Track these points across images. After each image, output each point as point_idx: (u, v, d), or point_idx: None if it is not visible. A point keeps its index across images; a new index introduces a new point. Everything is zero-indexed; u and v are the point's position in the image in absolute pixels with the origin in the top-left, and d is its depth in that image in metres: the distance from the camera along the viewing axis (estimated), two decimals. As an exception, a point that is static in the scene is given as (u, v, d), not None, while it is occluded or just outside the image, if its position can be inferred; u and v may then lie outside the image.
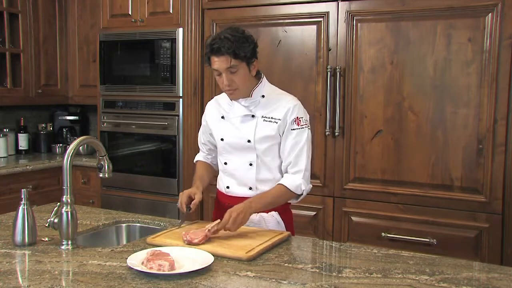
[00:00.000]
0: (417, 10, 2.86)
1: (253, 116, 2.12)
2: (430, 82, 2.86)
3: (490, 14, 2.71)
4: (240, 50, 1.97)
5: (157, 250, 1.70)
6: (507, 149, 2.74)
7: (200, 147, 2.41)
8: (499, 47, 2.70)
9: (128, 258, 1.66)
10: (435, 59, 2.84)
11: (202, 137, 2.37)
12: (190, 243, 1.84)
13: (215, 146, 2.31)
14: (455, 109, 2.82)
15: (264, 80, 2.16)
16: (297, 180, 2.10)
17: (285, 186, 2.09)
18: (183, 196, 2.11)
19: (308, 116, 2.18)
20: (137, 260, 1.64)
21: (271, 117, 2.11)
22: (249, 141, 2.11)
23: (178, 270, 1.59)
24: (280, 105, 2.11)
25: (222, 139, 2.19)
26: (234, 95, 2.09)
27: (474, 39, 2.75)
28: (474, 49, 2.76)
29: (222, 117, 2.20)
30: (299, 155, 2.11)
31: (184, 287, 1.50)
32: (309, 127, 2.15)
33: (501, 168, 2.75)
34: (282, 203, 2.15)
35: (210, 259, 1.66)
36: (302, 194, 2.13)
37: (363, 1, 3.00)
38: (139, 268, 1.58)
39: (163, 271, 1.56)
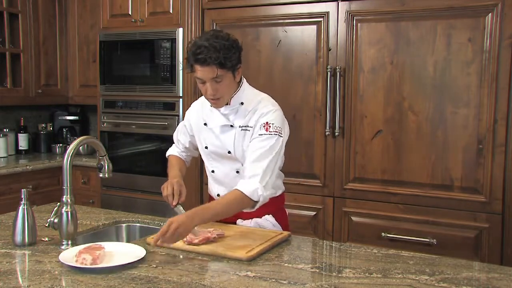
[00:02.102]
0: (417, 10, 2.86)
1: (231, 126, 2.03)
2: (430, 82, 2.86)
3: (490, 14, 2.71)
4: (227, 59, 1.87)
5: (94, 245, 1.75)
6: (507, 149, 2.73)
7: (175, 143, 2.33)
8: (499, 47, 2.70)
9: (62, 253, 1.71)
10: (435, 59, 2.84)
11: (181, 137, 2.29)
12: (190, 243, 1.84)
13: (194, 148, 2.27)
14: (455, 109, 2.82)
15: (244, 85, 2.05)
16: (254, 184, 1.88)
17: (240, 191, 1.88)
18: (175, 187, 2.01)
19: (285, 124, 2.04)
20: (71, 255, 1.70)
21: (247, 126, 2.01)
22: (229, 152, 2.05)
23: (104, 264, 1.64)
24: (255, 112, 2.01)
25: (206, 147, 2.13)
26: (218, 104, 2.00)
27: (474, 39, 2.75)
28: (474, 49, 2.75)
29: (205, 124, 2.12)
30: (258, 160, 1.92)
31: (185, 287, 1.50)
32: (281, 135, 1.98)
33: (501, 168, 2.74)
34: (237, 211, 1.96)
35: (142, 253, 1.71)
36: (258, 201, 1.90)
37: (363, 1, 3.00)
38: (67, 263, 1.62)
39: (85, 264, 1.61)
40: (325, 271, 1.66)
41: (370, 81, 3.01)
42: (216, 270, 1.64)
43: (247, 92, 2.06)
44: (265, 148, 1.94)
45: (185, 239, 1.86)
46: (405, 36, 2.91)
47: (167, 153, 2.35)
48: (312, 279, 1.59)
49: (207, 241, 1.86)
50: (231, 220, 2.08)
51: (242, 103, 2.03)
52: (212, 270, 1.64)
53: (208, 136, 2.12)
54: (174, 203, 2.00)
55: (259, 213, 2.08)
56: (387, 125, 2.98)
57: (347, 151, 3.09)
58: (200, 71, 1.89)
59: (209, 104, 2.08)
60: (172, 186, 2.03)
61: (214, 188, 2.20)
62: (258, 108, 2.02)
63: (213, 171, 2.16)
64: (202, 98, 2.18)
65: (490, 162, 2.76)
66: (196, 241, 1.84)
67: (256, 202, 1.91)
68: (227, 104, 2.02)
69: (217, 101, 1.98)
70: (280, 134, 1.98)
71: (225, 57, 1.86)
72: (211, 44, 1.85)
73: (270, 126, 1.97)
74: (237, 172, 2.08)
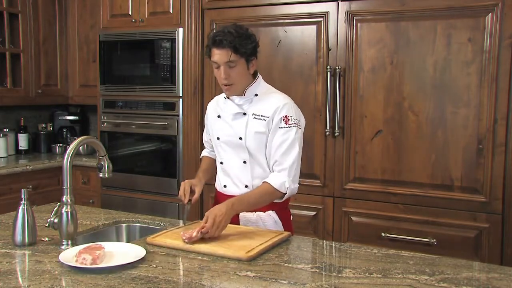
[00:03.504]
0: (417, 10, 2.86)
1: (244, 114, 2.14)
2: (430, 82, 2.86)
3: (490, 14, 2.71)
4: (241, 46, 2.00)
5: (94, 245, 1.75)
6: (507, 149, 2.74)
7: (204, 144, 2.47)
8: (499, 47, 2.70)
9: (62, 253, 1.70)
10: (435, 59, 2.84)
11: (205, 136, 2.43)
12: (190, 239, 1.84)
13: None
14: (455, 109, 2.82)
15: (260, 79, 2.17)
16: (282, 177, 2.06)
17: (269, 184, 2.06)
18: (186, 186, 2.14)
19: (301, 116, 2.16)
20: (71, 255, 1.70)
21: (261, 115, 2.11)
22: (240, 138, 2.13)
23: (104, 264, 1.64)
24: (270, 103, 2.11)
25: (218, 138, 2.22)
26: (230, 91, 2.11)
27: (474, 39, 2.75)
28: (474, 49, 2.75)
29: (219, 116, 2.23)
30: (285, 154, 2.07)
31: (185, 287, 1.50)
32: (300, 127, 2.12)
33: (501, 168, 2.75)
34: (267, 202, 2.10)
35: (142, 253, 1.71)
36: (286, 192, 2.07)
37: (363, 1, 3.00)
38: (67, 263, 1.62)
39: (86, 264, 1.61)
40: (325, 271, 1.66)
41: (370, 81, 3.01)
42: (216, 270, 1.64)
43: (262, 85, 2.19)
44: (288, 140, 2.07)
45: (184, 237, 1.86)
46: (405, 36, 2.91)
47: (201, 155, 2.49)
48: (312, 279, 1.59)
49: (205, 235, 1.85)
50: (233, 220, 2.09)
51: (256, 95, 2.15)
52: (212, 270, 1.64)
53: (220, 127, 2.21)
54: (185, 201, 2.13)
55: (263, 208, 2.12)
56: (387, 125, 2.98)
57: (347, 151, 3.09)
58: (216, 54, 2.03)
59: (223, 97, 2.22)
60: (183, 186, 2.16)
61: (221, 180, 2.26)
62: (272, 100, 2.13)
63: (221, 162, 2.24)
64: (216, 97, 2.34)
65: (490, 162, 2.76)
66: (194, 233, 1.84)
67: (284, 193, 2.07)
68: (242, 95, 2.13)
69: (229, 88, 2.09)
70: (298, 126, 2.11)
71: (240, 43, 2.00)
72: (229, 31, 2.02)
73: (288, 119, 2.09)
74: (244, 162, 2.14)
